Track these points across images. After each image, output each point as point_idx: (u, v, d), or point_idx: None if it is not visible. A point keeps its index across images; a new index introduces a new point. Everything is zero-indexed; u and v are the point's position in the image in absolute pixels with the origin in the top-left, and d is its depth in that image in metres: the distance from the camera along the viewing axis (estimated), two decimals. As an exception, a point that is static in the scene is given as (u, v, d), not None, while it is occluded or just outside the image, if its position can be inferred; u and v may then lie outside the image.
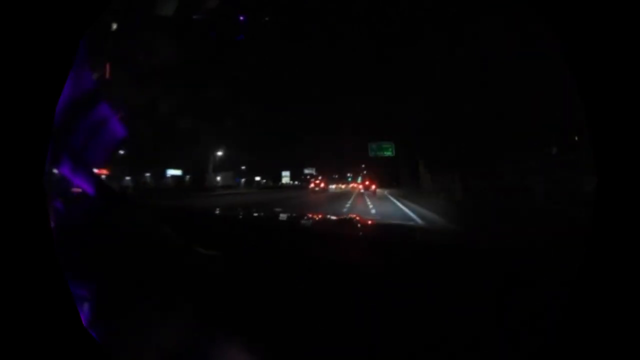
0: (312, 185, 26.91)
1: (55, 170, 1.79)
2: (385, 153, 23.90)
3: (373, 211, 8.66)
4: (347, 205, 9.87)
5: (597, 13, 0.58)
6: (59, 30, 0.52)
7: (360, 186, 20.53)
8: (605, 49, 0.59)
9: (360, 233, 1.45)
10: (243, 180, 38.31)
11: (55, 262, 0.53)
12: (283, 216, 2.38)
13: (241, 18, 7.97)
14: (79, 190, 1.78)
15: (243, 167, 37.46)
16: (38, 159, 0.52)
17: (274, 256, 1.06)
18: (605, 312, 0.53)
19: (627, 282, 0.52)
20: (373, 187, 19.46)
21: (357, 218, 2.16)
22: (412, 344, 0.65)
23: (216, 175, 32.92)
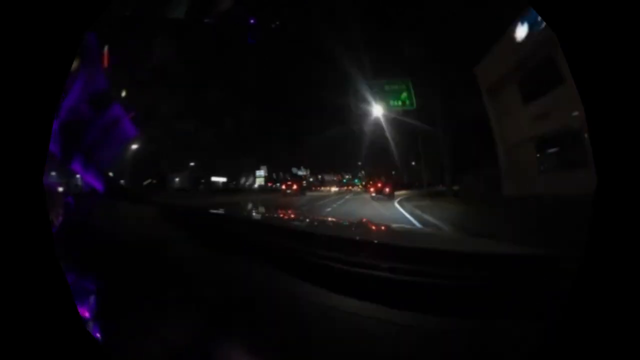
0: (283, 187, 24.31)
1: (68, 168, 1.78)
2: (393, 103, 10.65)
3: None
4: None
5: (597, 13, 0.55)
6: (58, 30, 0.50)
7: (372, 189, 15.91)
8: (605, 49, 0.55)
9: (362, 237, 1.42)
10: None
11: (56, 262, 0.51)
12: (288, 217, 2.37)
13: (252, 21, 7.90)
14: (90, 186, 1.78)
15: (192, 164, 31.85)
16: (38, 158, 0.50)
17: (276, 257, 1.04)
18: (605, 312, 0.54)
19: (627, 282, 0.54)
20: (387, 189, 14.46)
21: (366, 222, 2.15)
22: (412, 343, 0.63)
23: (174, 177, 29.14)
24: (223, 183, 38.17)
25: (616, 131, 0.58)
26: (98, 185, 1.75)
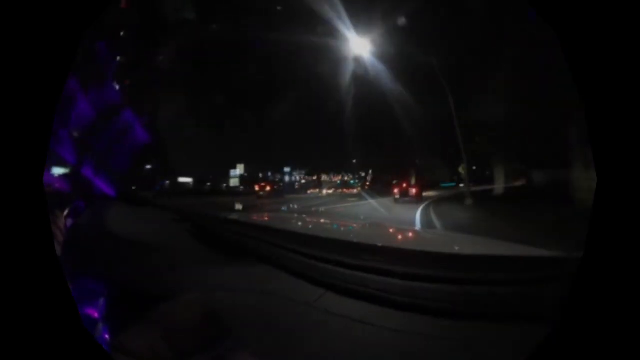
0: (257, 188, 21.57)
1: (79, 172, 1.79)
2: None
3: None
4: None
5: (597, 13, 0.53)
6: (57, 31, 0.49)
7: (396, 191, 13.06)
8: (605, 49, 0.54)
9: (372, 241, 1.41)
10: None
11: (56, 262, 0.51)
12: (295, 219, 2.38)
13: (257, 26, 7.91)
14: (101, 190, 1.80)
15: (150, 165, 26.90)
16: (38, 159, 0.49)
17: (283, 259, 1.02)
18: (605, 312, 0.54)
19: (627, 281, 0.53)
20: (413, 191, 11.82)
21: (379, 225, 2.12)
22: (411, 344, 0.62)
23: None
24: (194, 184, 32.44)
25: (617, 132, 0.56)
26: (109, 189, 1.77)
